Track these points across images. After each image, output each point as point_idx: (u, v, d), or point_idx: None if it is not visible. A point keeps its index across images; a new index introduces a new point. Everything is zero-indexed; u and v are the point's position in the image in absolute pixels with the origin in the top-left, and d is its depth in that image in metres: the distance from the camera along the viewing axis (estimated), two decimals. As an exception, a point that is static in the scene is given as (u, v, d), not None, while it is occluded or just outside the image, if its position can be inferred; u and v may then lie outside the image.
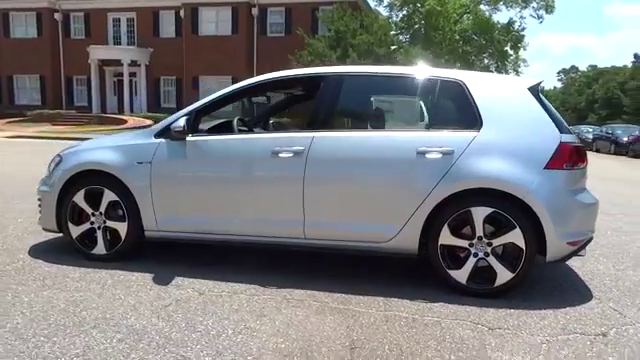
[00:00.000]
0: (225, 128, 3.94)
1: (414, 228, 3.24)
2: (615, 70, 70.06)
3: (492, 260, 3.16)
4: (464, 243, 3.20)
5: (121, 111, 28.90)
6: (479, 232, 3.15)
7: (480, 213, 3.14)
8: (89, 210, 3.79)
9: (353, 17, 23.23)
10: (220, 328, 2.66)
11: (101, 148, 3.89)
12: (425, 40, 23.94)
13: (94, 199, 3.77)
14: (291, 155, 3.38)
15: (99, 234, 3.78)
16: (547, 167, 3.11)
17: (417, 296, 3.17)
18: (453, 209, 3.18)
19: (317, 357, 2.37)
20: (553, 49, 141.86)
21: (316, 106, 3.52)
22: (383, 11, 26.35)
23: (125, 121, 25.26)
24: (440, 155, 3.19)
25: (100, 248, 3.78)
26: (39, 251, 4.00)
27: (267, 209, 3.49)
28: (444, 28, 24.16)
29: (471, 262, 3.19)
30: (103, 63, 29.35)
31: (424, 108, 3.57)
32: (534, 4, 25.65)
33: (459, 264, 3.22)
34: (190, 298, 3.08)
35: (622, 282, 3.63)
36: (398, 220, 3.26)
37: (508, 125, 3.23)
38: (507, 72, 28.04)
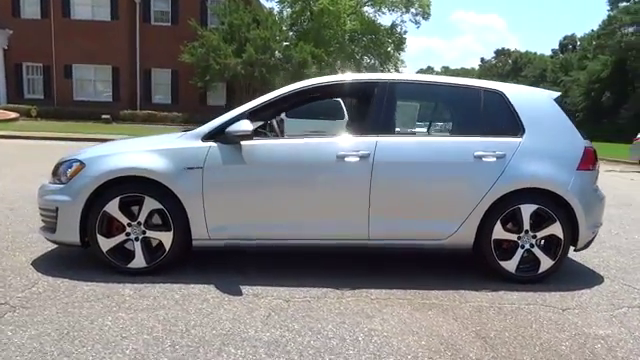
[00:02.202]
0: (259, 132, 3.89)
1: (471, 225, 3.56)
2: (465, 71, 78.74)
3: (536, 250, 3.61)
4: (513, 237, 3.61)
5: (-28, 101, 25.06)
6: (526, 226, 3.58)
7: (527, 209, 3.57)
8: (124, 220, 3.47)
9: (247, 11, 22.99)
10: (348, 333, 2.70)
11: (138, 152, 3.56)
12: (316, 38, 24.61)
13: (130, 208, 3.46)
14: (357, 159, 3.48)
15: (137, 246, 3.49)
16: (578, 168, 3.65)
17: (474, 287, 3.49)
18: (505, 207, 3.57)
19: (464, 348, 2.57)
20: (410, 50, 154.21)
21: (375, 111, 3.64)
22: (276, 7, 26.49)
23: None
24: (495, 159, 3.55)
25: (139, 261, 3.48)
26: (52, 268, 3.55)
27: (332, 212, 3.54)
28: (335, 27, 25.08)
29: (519, 253, 3.61)
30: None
31: (473, 115, 3.89)
32: (413, 10, 28.06)
33: (509, 255, 3.62)
34: (282, 306, 3.04)
35: (619, 266, 4.35)
36: (458, 218, 3.56)
37: (544, 131, 3.70)
38: (390, 71, 30.15)
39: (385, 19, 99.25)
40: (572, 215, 3.60)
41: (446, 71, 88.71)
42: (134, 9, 25.70)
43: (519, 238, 3.61)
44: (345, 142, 3.60)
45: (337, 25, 24.91)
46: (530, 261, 3.63)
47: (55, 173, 3.73)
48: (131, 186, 3.47)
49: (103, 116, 22.77)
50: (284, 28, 23.77)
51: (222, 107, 26.64)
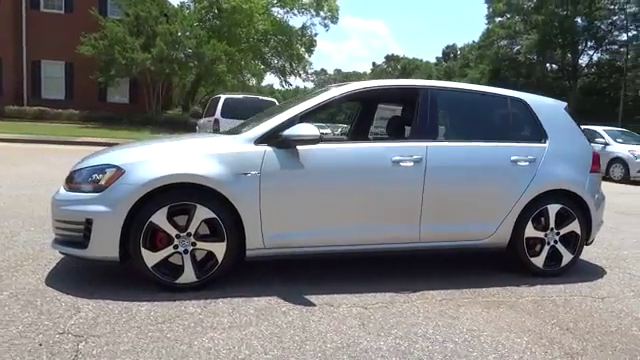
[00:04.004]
0: None
1: (508, 225, 3.81)
2: (358, 75, 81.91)
3: (559, 246, 3.96)
4: (541, 234, 3.92)
5: None
6: (552, 224, 3.92)
7: (553, 209, 3.91)
8: (172, 232, 3.17)
9: (154, 3, 21.73)
10: (453, 335, 2.76)
11: (187, 157, 3.27)
12: (228, 36, 24.01)
13: (178, 218, 3.18)
14: (412, 164, 3.54)
15: (186, 259, 3.20)
16: (591, 171, 4.07)
17: (509, 283, 3.72)
18: (536, 207, 3.86)
19: (561, 340, 2.76)
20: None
21: (423, 116, 3.72)
22: (184, 0, 25.32)
23: None
24: (527, 163, 3.83)
25: (188, 276, 3.21)
26: (76, 289, 3.14)
27: (388, 215, 3.57)
28: (247, 26, 24.66)
29: (545, 249, 3.93)
30: None
31: (504, 122, 4.13)
32: (322, 13, 28.55)
33: (537, 252, 3.92)
34: (366, 314, 3.01)
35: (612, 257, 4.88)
36: (497, 219, 3.78)
37: (562, 137, 4.06)
38: (299, 73, 30.46)
39: (296, 21, 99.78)
40: (587, 213, 4.00)
41: (339, 74, 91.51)
42: (19, -7, 23.05)
43: (545, 235, 3.93)
44: (397, 147, 3.63)
45: (249, 24, 24.54)
46: (554, 256, 3.96)
47: (74, 180, 3.29)
48: (180, 194, 3.18)
49: (-17, 112, 20.12)
50: (195, 24, 22.78)
51: (125, 104, 24.98)
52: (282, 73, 30.17)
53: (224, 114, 11.79)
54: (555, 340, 2.77)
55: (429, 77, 65.71)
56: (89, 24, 21.83)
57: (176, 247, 3.19)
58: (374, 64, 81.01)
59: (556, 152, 3.96)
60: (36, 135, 14.90)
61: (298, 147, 3.37)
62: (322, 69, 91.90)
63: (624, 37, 39.93)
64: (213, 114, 12.21)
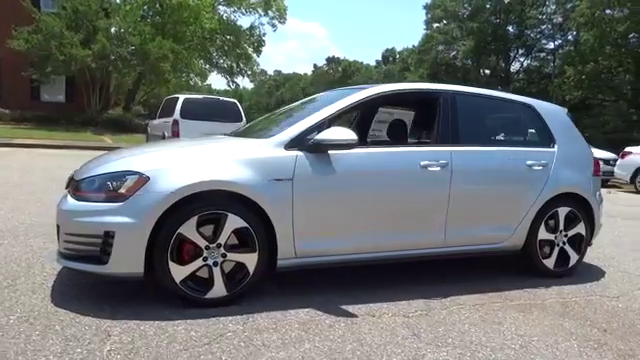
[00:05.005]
0: None
1: (524, 228, 3.88)
2: (298, 76, 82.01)
3: (567, 247, 4.09)
4: (552, 237, 4.03)
5: None
6: (561, 227, 4.04)
7: (562, 212, 4.03)
8: (202, 243, 2.95)
9: (94, -4, 20.56)
10: (506, 341, 2.76)
11: (216, 162, 3.04)
12: (174, 34, 23.13)
13: (204, 228, 2.96)
14: (439, 168, 3.52)
15: (216, 272, 2.99)
16: (593, 174, 4.23)
17: (522, 285, 3.78)
18: (548, 210, 3.96)
19: (606, 341, 2.82)
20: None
21: (445, 121, 3.70)
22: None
23: None
24: (541, 167, 3.92)
25: (219, 290, 2.99)
26: (90, 309, 2.85)
27: (417, 221, 3.53)
28: (194, 24, 23.86)
29: (556, 251, 4.04)
30: None
31: (516, 126, 4.20)
32: (271, 13, 28.20)
33: (548, 254, 4.02)
34: (411, 323, 2.94)
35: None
36: (515, 222, 3.84)
37: (568, 142, 4.19)
38: (246, 73, 29.90)
39: (245, 20, 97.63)
40: (591, 215, 4.15)
41: (279, 75, 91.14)
42: None
43: (555, 237, 4.04)
44: (425, 151, 3.59)
45: (195, 22, 23.78)
46: (563, 257, 4.08)
47: (85, 189, 2.99)
48: (210, 202, 2.96)
49: None
50: (139, 20, 21.79)
51: (61, 104, 23.47)
52: (229, 73, 29.56)
53: (184, 115, 11.30)
54: (601, 342, 2.83)
55: (370, 80, 66.93)
56: (18, 17, 20.30)
57: (205, 259, 2.97)
58: (315, 66, 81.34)
59: (564, 156, 4.08)
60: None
61: (330, 152, 3.24)
62: (262, 69, 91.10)
63: (551, 45, 42.65)
64: (171, 115, 11.66)
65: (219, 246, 2.98)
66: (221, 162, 3.05)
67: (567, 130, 4.27)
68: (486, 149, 3.82)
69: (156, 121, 13.60)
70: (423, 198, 3.54)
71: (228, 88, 32.68)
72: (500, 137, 4.03)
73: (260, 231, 3.05)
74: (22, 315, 2.72)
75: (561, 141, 4.13)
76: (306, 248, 3.20)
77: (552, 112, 4.29)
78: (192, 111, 11.42)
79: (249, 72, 29.82)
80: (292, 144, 3.20)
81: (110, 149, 16.07)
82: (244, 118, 12.16)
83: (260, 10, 27.80)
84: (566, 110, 4.45)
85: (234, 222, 2.98)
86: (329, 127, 3.30)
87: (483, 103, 4.07)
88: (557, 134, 4.14)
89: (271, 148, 3.18)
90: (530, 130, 4.22)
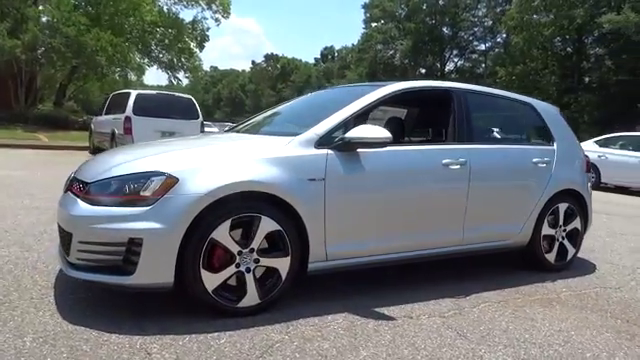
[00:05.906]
0: None
1: (530, 224, 3.98)
2: (236, 73, 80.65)
3: (566, 242, 4.24)
4: (553, 232, 4.16)
5: None
6: (560, 222, 4.18)
7: (562, 208, 4.18)
8: (235, 248, 2.76)
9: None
10: (549, 338, 2.79)
11: (246, 162, 2.85)
12: (112, 25, 21.85)
13: (234, 232, 2.77)
14: (458, 167, 3.52)
15: (249, 278, 2.81)
16: (586, 171, 4.42)
17: (529, 280, 3.87)
18: (550, 206, 4.08)
19: (635, 334, 2.92)
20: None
21: (461, 119, 3.70)
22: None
23: None
24: (545, 165, 4.04)
25: (252, 297, 2.82)
26: (109, 325, 2.60)
27: (441, 219, 3.52)
28: (135, 16, 22.67)
29: (556, 246, 4.19)
30: None
31: (519, 124, 4.27)
32: (214, 6, 27.33)
33: (549, 249, 4.15)
34: (450, 324, 2.90)
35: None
36: (523, 218, 3.93)
37: (564, 140, 4.35)
38: (189, 68, 28.81)
39: (187, 14, 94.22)
40: (586, 210, 4.34)
41: (215, 71, 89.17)
42: None
43: (556, 233, 4.18)
44: (445, 149, 3.58)
45: (136, 14, 22.62)
46: (562, 252, 4.23)
47: (98, 192, 2.71)
48: (244, 204, 2.77)
49: None
50: (72, 10, 20.40)
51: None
52: (170, 68, 28.43)
53: (137, 112, 10.72)
54: (631, 332, 2.94)
55: (309, 77, 67.11)
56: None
57: (238, 266, 2.78)
58: (254, 62, 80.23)
59: (562, 154, 4.23)
60: None
61: (359, 150, 3.14)
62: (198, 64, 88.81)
63: (482, 47, 44.78)
64: (122, 111, 11.03)
65: (252, 251, 2.80)
66: (253, 161, 2.87)
67: (562, 128, 4.43)
68: (498, 147, 3.89)
69: (102, 117, 12.84)
70: (446, 196, 3.54)
71: (161, 84, 31.45)
72: (507, 135, 4.11)
73: (292, 234, 2.90)
74: (37, 336, 2.42)
75: (559, 139, 4.28)
76: (336, 250, 3.08)
77: (548, 110, 4.44)
78: (145, 107, 10.88)
79: (191, 67, 28.84)
80: (321, 142, 3.07)
81: (48, 147, 15.05)
82: (201, 115, 11.74)
83: (203, 3, 27.04)
84: (558, 109, 4.61)
85: (267, 225, 2.81)
86: (354, 125, 3.20)
87: (490, 101, 4.13)
88: (555, 132, 4.28)
89: (301, 147, 3.03)
90: (533, 128, 4.33)
